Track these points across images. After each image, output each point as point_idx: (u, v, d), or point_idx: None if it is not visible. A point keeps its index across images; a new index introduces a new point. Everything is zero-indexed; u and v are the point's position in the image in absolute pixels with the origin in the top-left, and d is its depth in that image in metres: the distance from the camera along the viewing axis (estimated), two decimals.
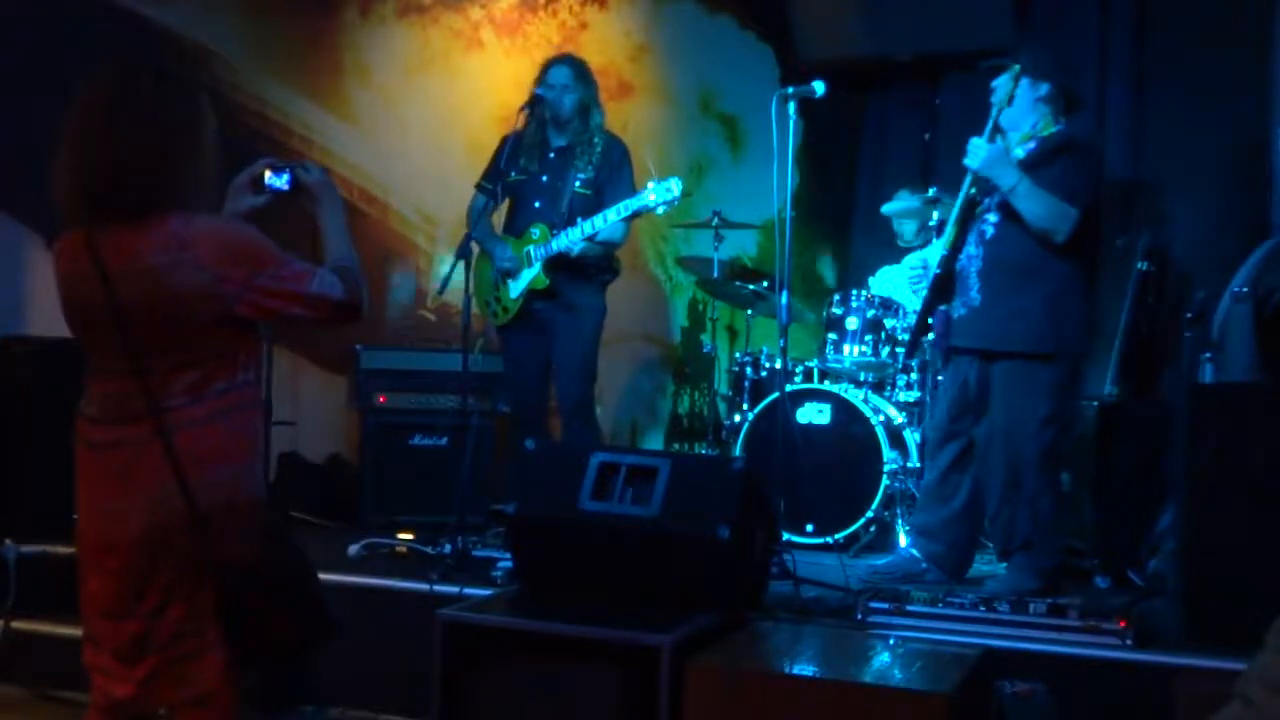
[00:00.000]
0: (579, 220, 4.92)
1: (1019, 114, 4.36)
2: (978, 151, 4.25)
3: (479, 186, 5.21)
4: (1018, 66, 4.31)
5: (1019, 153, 4.34)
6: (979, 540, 4.73)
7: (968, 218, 4.41)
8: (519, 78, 5.17)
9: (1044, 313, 4.23)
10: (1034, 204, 4.17)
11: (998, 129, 4.37)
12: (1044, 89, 4.34)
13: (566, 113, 5.04)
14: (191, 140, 2.51)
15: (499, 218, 5.27)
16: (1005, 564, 4.45)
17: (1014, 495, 4.30)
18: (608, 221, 4.86)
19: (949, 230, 4.42)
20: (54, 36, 5.95)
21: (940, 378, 5.02)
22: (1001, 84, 4.33)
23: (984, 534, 4.80)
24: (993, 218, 4.33)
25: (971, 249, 4.38)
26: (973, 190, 4.37)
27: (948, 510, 4.47)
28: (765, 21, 6.62)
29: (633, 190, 5.00)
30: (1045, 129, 4.36)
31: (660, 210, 4.86)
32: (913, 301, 5.07)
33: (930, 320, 4.52)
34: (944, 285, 4.44)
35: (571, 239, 4.91)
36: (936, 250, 4.52)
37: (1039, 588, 4.17)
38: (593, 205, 4.99)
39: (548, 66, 5.11)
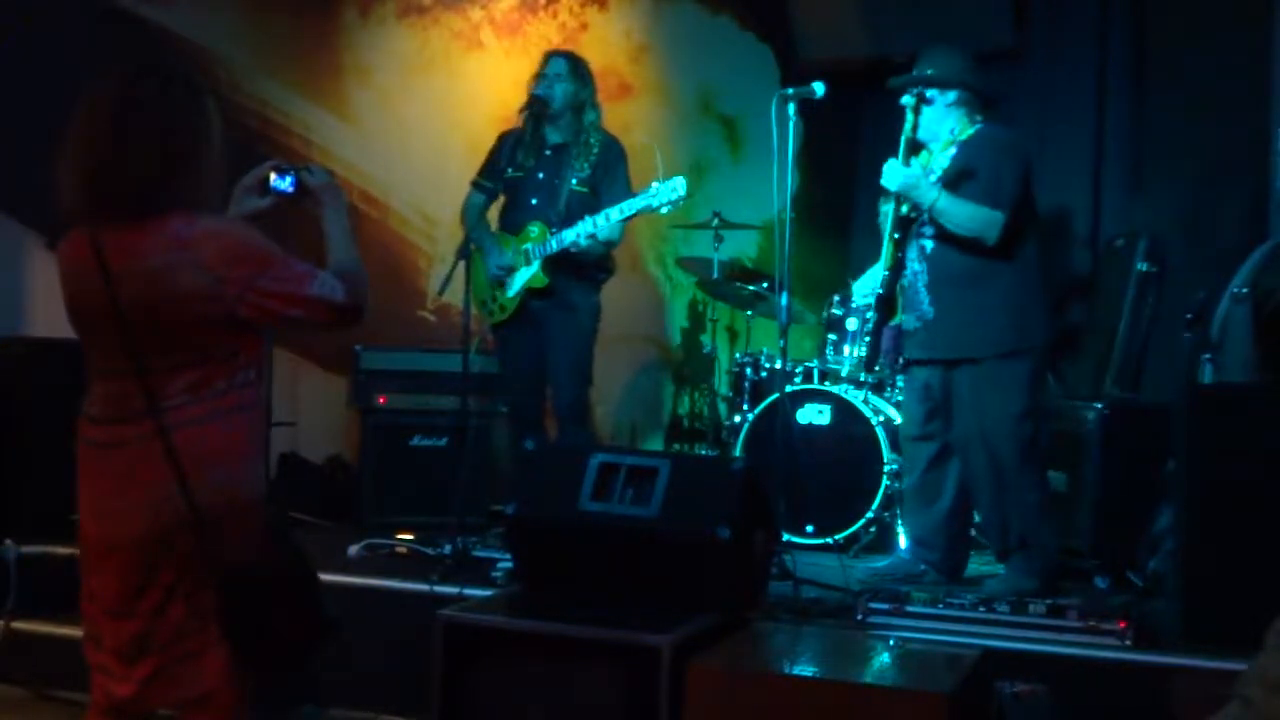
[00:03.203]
0: (577, 218, 4.91)
1: (935, 124, 4.42)
2: (894, 174, 4.31)
3: (475, 184, 5.19)
4: (911, 97, 4.36)
5: (944, 160, 4.39)
6: (971, 537, 4.74)
7: (904, 235, 4.46)
8: (519, 78, 5.16)
9: (1001, 313, 4.29)
10: (957, 215, 4.24)
11: (916, 145, 4.42)
12: (951, 95, 4.40)
13: (557, 103, 5.00)
14: (196, 142, 2.51)
15: (492, 215, 5.26)
16: (1003, 565, 4.46)
17: (1002, 496, 4.32)
18: (610, 221, 4.84)
19: (885, 250, 4.49)
20: (54, 37, 5.95)
21: (899, 385, 5.09)
22: (906, 104, 4.38)
23: (979, 531, 4.81)
24: (929, 231, 4.38)
25: (915, 264, 4.44)
26: (904, 208, 4.42)
27: (935, 513, 4.49)
28: (765, 22, 6.62)
29: (629, 188, 4.98)
30: (963, 132, 4.41)
31: (665, 210, 4.85)
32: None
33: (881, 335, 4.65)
34: (889, 303, 4.52)
35: (573, 237, 4.89)
36: (878, 271, 4.56)
37: (1038, 587, 4.18)
38: (590, 203, 4.97)
39: (546, 58, 5.11)
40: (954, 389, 4.37)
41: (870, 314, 5.36)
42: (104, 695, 2.52)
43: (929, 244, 4.38)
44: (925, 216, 4.35)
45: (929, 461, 4.49)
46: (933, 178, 4.34)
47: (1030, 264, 4.35)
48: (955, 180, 4.28)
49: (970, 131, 4.40)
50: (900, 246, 4.46)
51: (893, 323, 4.59)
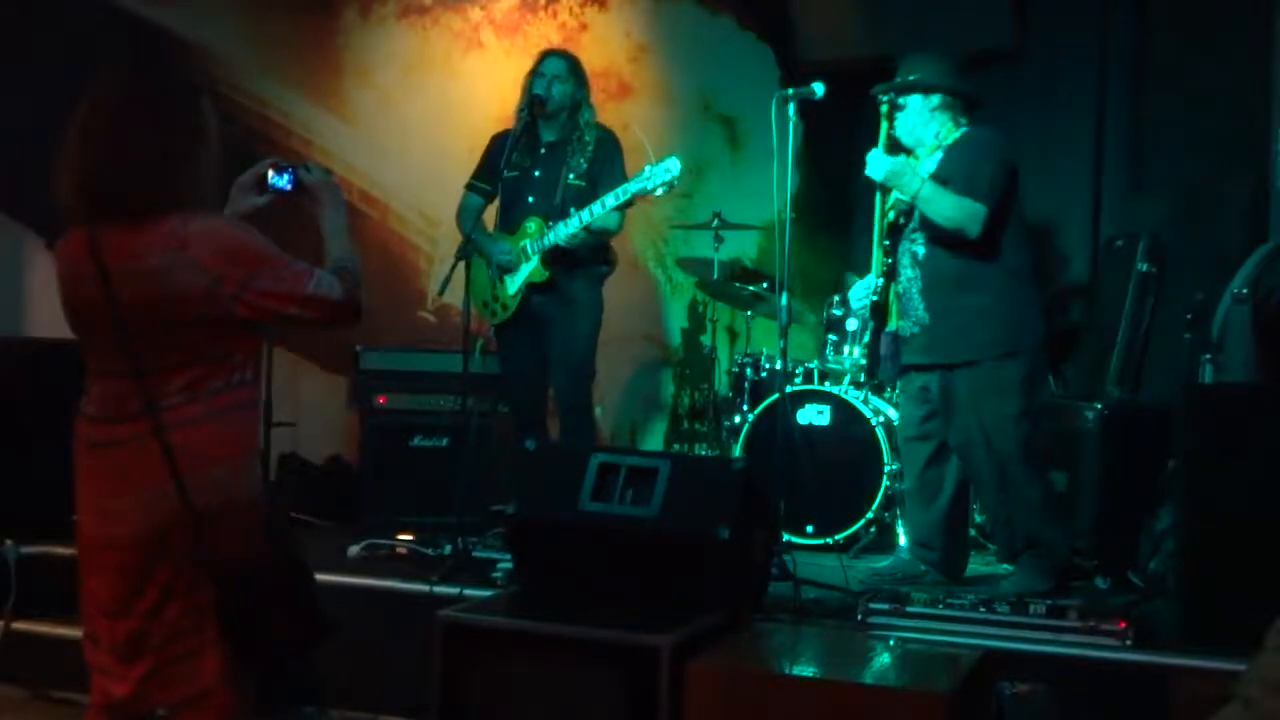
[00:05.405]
0: (574, 211, 4.90)
1: (919, 129, 4.45)
2: (878, 164, 4.33)
3: (471, 186, 5.19)
4: (885, 103, 4.44)
5: (930, 165, 4.39)
6: (969, 534, 4.74)
7: (895, 242, 4.47)
8: (519, 78, 5.16)
9: (996, 316, 4.30)
10: (940, 205, 4.24)
11: (899, 147, 4.45)
12: (935, 99, 4.41)
13: (554, 103, 5.00)
14: (194, 142, 2.52)
15: (489, 216, 5.25)
16: (1013, 564, 4.45)
17: (1005, 495, 4.34)
18: (605, 208, 4.81)
19: (875, 257, 4.49)
20: (54, 36, 5.95)
21: (894, 393, 5.09)
22: (882, 108, 4.44)
23: (981, 533, 4.81)
24: (920, 237, 4.38)
25: (908, 271, 4.44)
26: (892, 214, 4.43)
27: (934, 511, 4.49)
28: (765, 22, 6.61)
29: (625, 178, 4.97)
30: (948, 136, 4.43)
31: (659, 192, 4.81)
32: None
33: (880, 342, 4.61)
34: (883, 310, 4.52)
35: (569, 229, 4.87)
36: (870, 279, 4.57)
37: (1050, 587, 4.19)
38: (587, 196, 4.94)
39: (543, 57, 5.11)
40: (952, 391, 4.38)
41: (870, 321, 5.39)
42: (102, 695, 2.53)
43: (920, 250, 4.39)
44: (914, 224, 4.36)
45: (926, 460, 4.50)
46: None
47: (1021, 265, 4.37)
48: (940, 180, 4.29)
49: (956, 135, 4.42)
50: (890, 253, 4.47)
51: (888, 329, 4.57)
